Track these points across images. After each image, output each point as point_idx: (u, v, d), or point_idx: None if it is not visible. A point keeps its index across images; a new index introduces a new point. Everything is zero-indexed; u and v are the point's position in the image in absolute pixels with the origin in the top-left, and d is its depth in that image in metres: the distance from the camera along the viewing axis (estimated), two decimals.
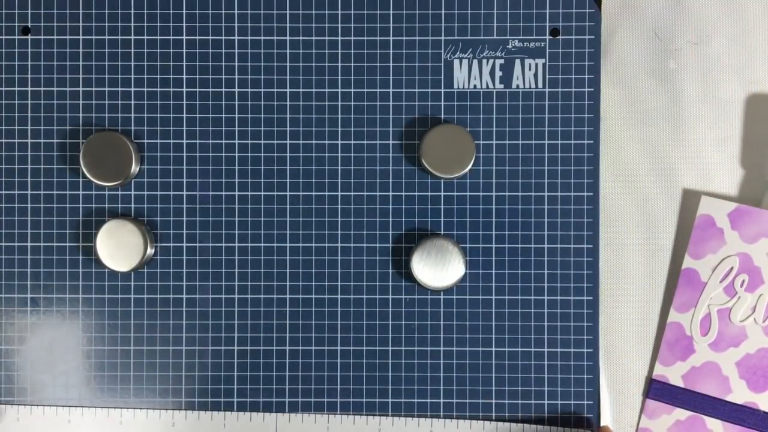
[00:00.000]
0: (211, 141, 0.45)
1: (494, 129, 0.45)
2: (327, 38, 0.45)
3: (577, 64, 0.45)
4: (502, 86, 0.45)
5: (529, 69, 0.45)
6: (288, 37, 0.45)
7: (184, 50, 0.45)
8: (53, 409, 0.45)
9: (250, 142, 0.45)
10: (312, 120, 0.45)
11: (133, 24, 0.45)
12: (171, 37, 0.45)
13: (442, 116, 0.45)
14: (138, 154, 0.45)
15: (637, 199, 0.47)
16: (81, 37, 0.45)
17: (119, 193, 0.45)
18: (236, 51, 0.45)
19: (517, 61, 0.45)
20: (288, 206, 0.45)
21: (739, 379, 0.45)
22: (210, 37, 0.45)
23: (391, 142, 0.45)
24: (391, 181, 0.45)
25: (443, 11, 0.45)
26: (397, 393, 0.45)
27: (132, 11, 0.45)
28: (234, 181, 0.45)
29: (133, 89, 0.45)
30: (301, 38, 0.45)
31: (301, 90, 0.45)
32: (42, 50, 0.45)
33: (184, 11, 0.45)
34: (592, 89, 0.45)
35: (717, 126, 0.46)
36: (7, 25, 0.45)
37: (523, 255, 0.45)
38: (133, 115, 0.45)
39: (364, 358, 0.45)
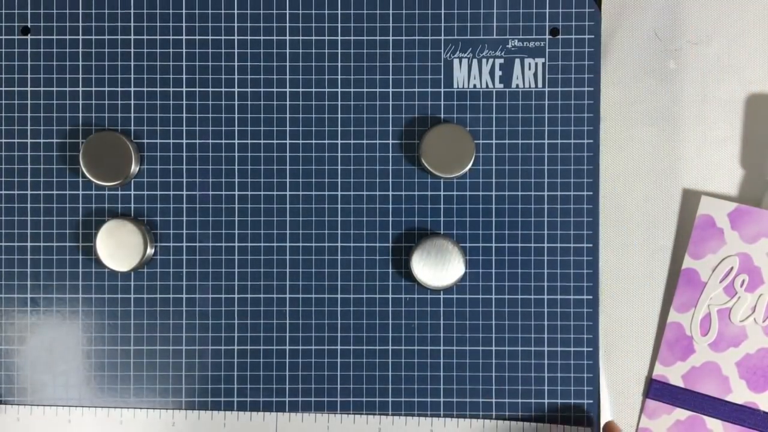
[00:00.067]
0: (210, 141, 0.45)
1: (494, 128, 0.45)
2: (327, 38, 0.45)
3: (576, 64, 0.45)
4: (501, 86, 0.45)
5: (529, 68, 0.45)
6: (287, 37, 0.45)
7: (184, 50, 0.45)
8: (53, 409, 0.45)
9: (249, 141, 0.45)
10: (312, 120, 0.45)
11: (132, 24, 0.45)
12: (170, 37, 0.45)
13: (442, 116, 0.45)
14: (138, 154, 0.45)
15: (637, 199, 0.47)
16: (81, 37, 0.45)
17: (119, 192, 0.45)
18: (236, 51, 0.45)
19: (517, 61, 0.45)
20: (288, 206, 0.45)
21: (739, 379, 0.45)
22: (209, 37, 0.45)
23: (390, 141, 0.45)
24: (390, 180, 0.45)
25: (443, 11, 0.45)
26: (397, 392, 0.45)
27: (132, 11, 0.45)
28: (234, 181, 0.45)
29: (132, 89, 0.45)
30: (300, 38, 0.45)
31: (300, 90, 0.45)
32: (42, 50, 0.45)
33: (183, 11, 0.45)
34: (592, 89, 0.45)
35: (717, 126, 0.46)
36: (6, 25, 0.45)
37: (523, 254, 0.45)
38: (132, 115, 0.45)
39: (364, 357, 0.45)
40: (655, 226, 0.47)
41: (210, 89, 0.45)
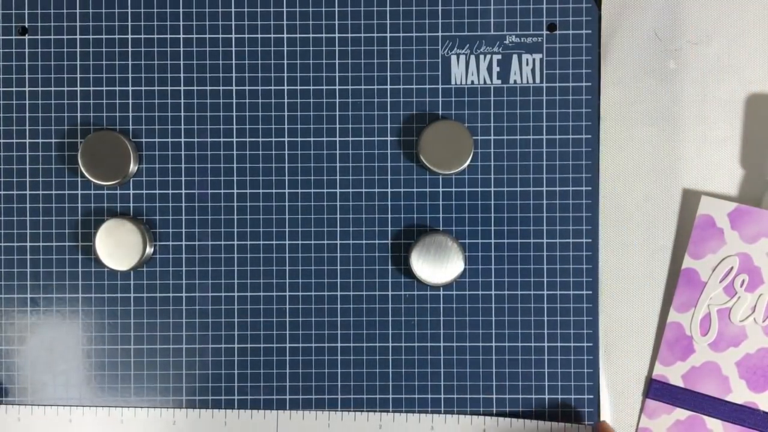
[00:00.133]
0: (209, 139, 0.45)
1: (492, 125, 0.45)
2: (324, 35, 0.45)
3: (574, 59, 0.45)
4: (499, 82, 0.45)
5: (527, 64, 0.45)
6: (285, 35, 0.45)
7: (182, 49, 0.45)
8: (54, 409, 0.45)
9: (248, 139, 0.45)
10: (310, 117, 0.45)
11: (130, 23, 0.45)
12: (168, 36, 0.45)
13: (440, 112, 0.45)
14: (136, 153, 0.45)
15: (637, 199, 0.46)
16: (78, 36, 0.45)
17: (118, 192, 0.45)
18: (233, 49, 0.45)
19: (515, 57, 0.45)
20: (287, 204, 0.45)
21: (739, 379, 0.45)
22: (207, 36, 0.45)
23: (389, 138, 0.45)
24: (389, 177, 0.45)
25: (440, 7, 0.45)
26: (397, 389, 0.45)
27: (129, 10, 0.45)
28: (232, 179, 0.45)
29: (130, 88, 0.45)
30: (298, 36, 0.45)
31: (298, 88, 0.45)
32: (39, 50, 0.45)
33: (180, 10, 0.45)
34: (590, 84, 0.45)
35: (717, 126, 0.46)
36: (4, 25, 0.45)
37: (522, 250, 0.45)
38: (131, 114, 0.45)
39: (364, 354, 0.45)
40: (655, 226, 0.46)
41: (208, 88, 0.45)
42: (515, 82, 0.45)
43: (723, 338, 0.45)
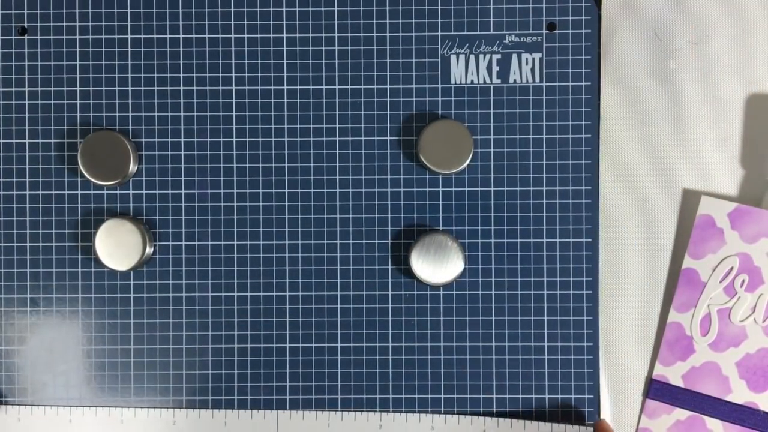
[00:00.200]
0: (208, 139, 0.45)
1: (492, 124, 0.45)
2: (324, 35, 0.45)
3: (574, 58, 0.45)
4: (499, 81, 0.45)
5: (526, 63, 0.45)
6: (285, 34, 0.45)
7: (181, 48, 0.45)
8: (54, 409, 0.45)
9: (247, 139, 0.45)
10: (310, 117, 0.45)
11: (129, 23, 0.45)
12: (168, 36, 0.45)
13: (440, 112, 0.45)
14: (136, 153, 0.45)
15: (637, 199, 0.46)
16: (78, 36, 0.45)
17: (117, 192, 0.45)
18: (233, 49, 0.45)
19: (514, 56, 0.45)
20: (287, 203, 0.45)
21: (739, 379, 0.45)
22: (207, 35, 0.45)
23: (388, 138, 0.45)
24: (389, 177, 0.45)
25: (440, 7, 0.45)
26: (397, 389, 0.45)
27: (128, 10, 0.45)
28: (232, 179, 0.45)
29: (130, 88, 0.45)
30: (297, 35, 0.45)
31: (298, 87, 0.45)
32: (39, 50, 0.45)
33: (180, 10, 0.45)
34: (590, 83, 0.45)
35: (717, 126, 0.46)
36: (4, 25, 0.45)
37: (522, 250, 0.45)
38: (130, 114, 0.45)
39: (364, 354, 0.45)
40: (655, 226, 0.46)
41: (207, 88, 0.45)
42: (515, 81, 0.45)
43: (723, 338, 0.45)
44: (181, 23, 0.45)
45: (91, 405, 0.45)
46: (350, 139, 0.45)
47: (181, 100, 0.45)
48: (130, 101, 0.45)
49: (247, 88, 0.45)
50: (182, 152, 0.45)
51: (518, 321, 0.45)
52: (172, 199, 0.45)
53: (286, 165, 0.45)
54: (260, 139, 0.45)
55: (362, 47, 0.45)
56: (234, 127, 0.45)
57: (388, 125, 0.45)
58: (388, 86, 0.45)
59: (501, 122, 0.45)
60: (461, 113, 0.45)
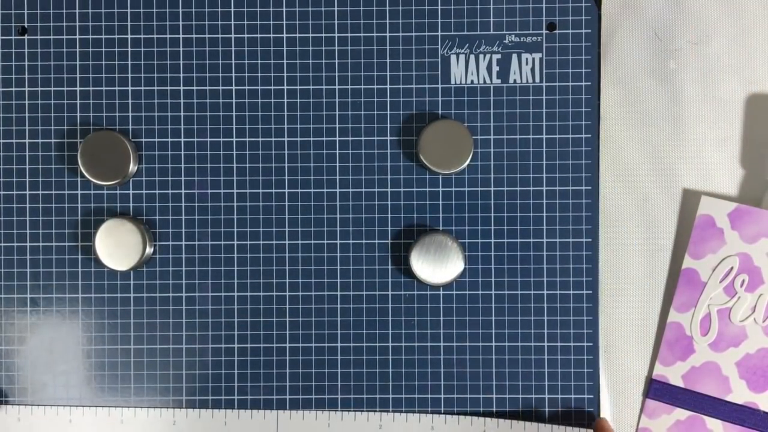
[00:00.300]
0: (208, 139, 0.45)
1: (492, 124, 0.45)
2: (324, 35, 0.45)
3: (574, 58, 0.45)
4: (499, 81, 0.45)
5: (526, 63, 0.45)
6: (285, 34, 0.45)
7: (181, 48, 0.45)
8: (54, 409, 0.45)
9: (247, 139, 0.45)
10: (310, 117, 0.45)
11: (129, 23, 0.45)
12: (168, 36, 0.45)
13: (440, 112, 0.45)
14: (136, 153, 0.45)
15: (637, 199, 0.46)
16: (78, 36, 0.45)
17: (117, 192, 0.45)
18: (233, 49, 0.45)
19: (514, 56, 0.45)
20: (286, 203, 0.45)
21: (739, 379, 0.45)
22: (207, 35, 0.45)
23: (388, 138, 0.45)
24: (389, 177, 0.45)
25: (440, 7, 0.45)
26: (397, 389, 0.45)
27: (128, 10, 0.45)
28: (232, 179, 0.45)
29: (130, 88, 0.45)
30: (297, 35, 0.45)
31: (298, 87, 0.45)
32: (39, 50, 0.45)
33: (180, 9, 0.45)
34: (590, 83, 0.45)
35: (717, 126, 0.46)
36: (4, 25, 0.45)
37: (522, 250, 0.45)
38: (130, 114, 0.45)
39: (364, 354, 0.45)
40: (655, 226, 0.46)
41: (207, 87, 0.45)
42: (515, 81, 0.45)
43: (723, 338, 0.45)
44: (181, 23, 0.45)
45: (91, 405, 0.45)
46: (350, 139, 0.45)
47: (181, 100, 0.45)
48: (130, 101, 0.45)
49: (247, 88, 0.45)
50: (182, 152, 0.45)
51: (518, 321, 0.45)
52: (172, 199, 0.45)
53: (286, 165, 0.45)
54: (260, 139, 0.45)
55: (362, 47, 0.45)
56: (234, 127, 0.45)
57: (388, 125, 0.45)
58: (388, 86, 0.45)
59: (501, 122, 0.45)
60: (461, 113, 0.45)
